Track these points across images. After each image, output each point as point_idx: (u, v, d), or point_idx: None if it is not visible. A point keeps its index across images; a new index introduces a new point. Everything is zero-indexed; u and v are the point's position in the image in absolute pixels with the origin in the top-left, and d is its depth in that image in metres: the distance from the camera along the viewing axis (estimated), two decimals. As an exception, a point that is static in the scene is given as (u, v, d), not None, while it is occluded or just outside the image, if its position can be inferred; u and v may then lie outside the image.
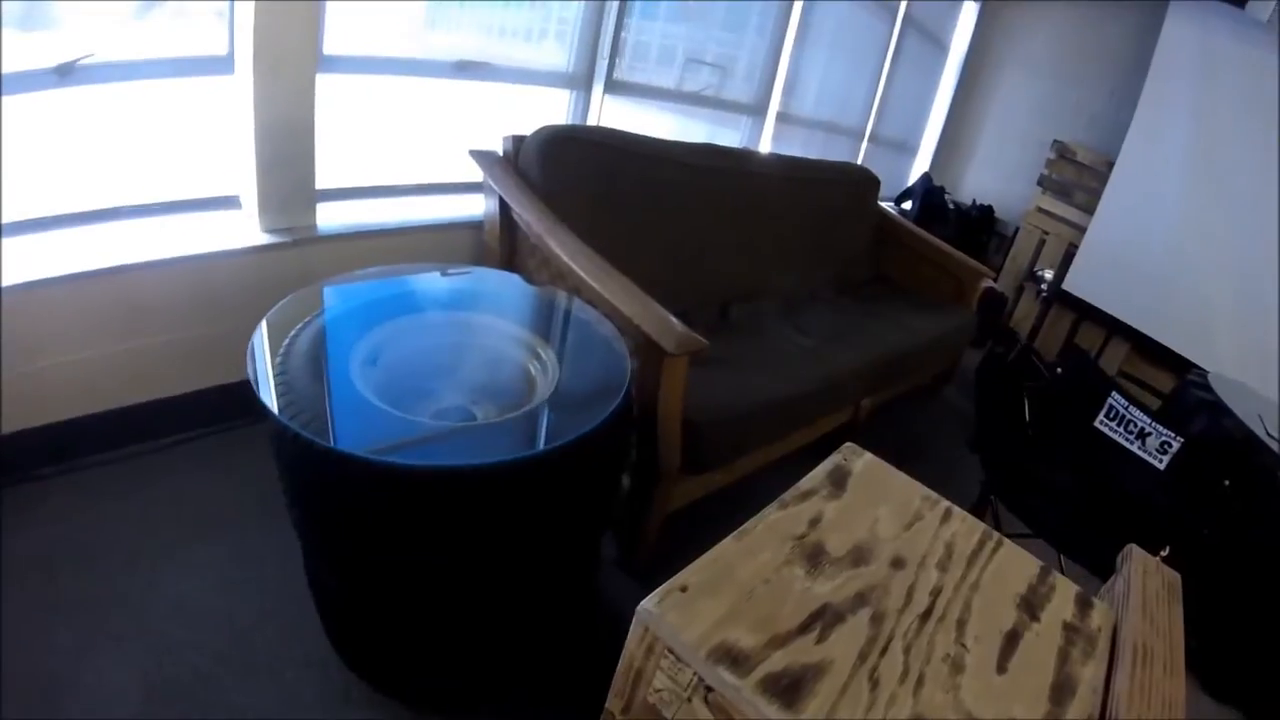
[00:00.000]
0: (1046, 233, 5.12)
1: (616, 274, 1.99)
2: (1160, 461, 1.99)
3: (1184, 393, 3.27)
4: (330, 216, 2.42)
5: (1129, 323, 4.85)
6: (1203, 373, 3.40)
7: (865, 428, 3.01)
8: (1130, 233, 4.84)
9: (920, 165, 5.76)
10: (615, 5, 2.97)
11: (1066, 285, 4.92)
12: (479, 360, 1.74)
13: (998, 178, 5.53)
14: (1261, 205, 4.69)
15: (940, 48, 5.50)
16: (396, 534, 1.36)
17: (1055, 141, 5.19)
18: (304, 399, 1.33)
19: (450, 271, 1.95)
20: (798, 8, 3.88)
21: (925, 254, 3.96)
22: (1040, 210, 5.14)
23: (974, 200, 5.42)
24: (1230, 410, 3.00)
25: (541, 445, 1.38)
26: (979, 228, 5.29)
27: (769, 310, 2.96)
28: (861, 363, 2.74)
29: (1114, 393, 2.04)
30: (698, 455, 1.92)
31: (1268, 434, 2.97)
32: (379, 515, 1.33)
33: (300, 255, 2.29)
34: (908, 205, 5.30)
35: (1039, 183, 5.18)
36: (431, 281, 1.93)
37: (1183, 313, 4.85)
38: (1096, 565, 2.09)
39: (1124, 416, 2.05)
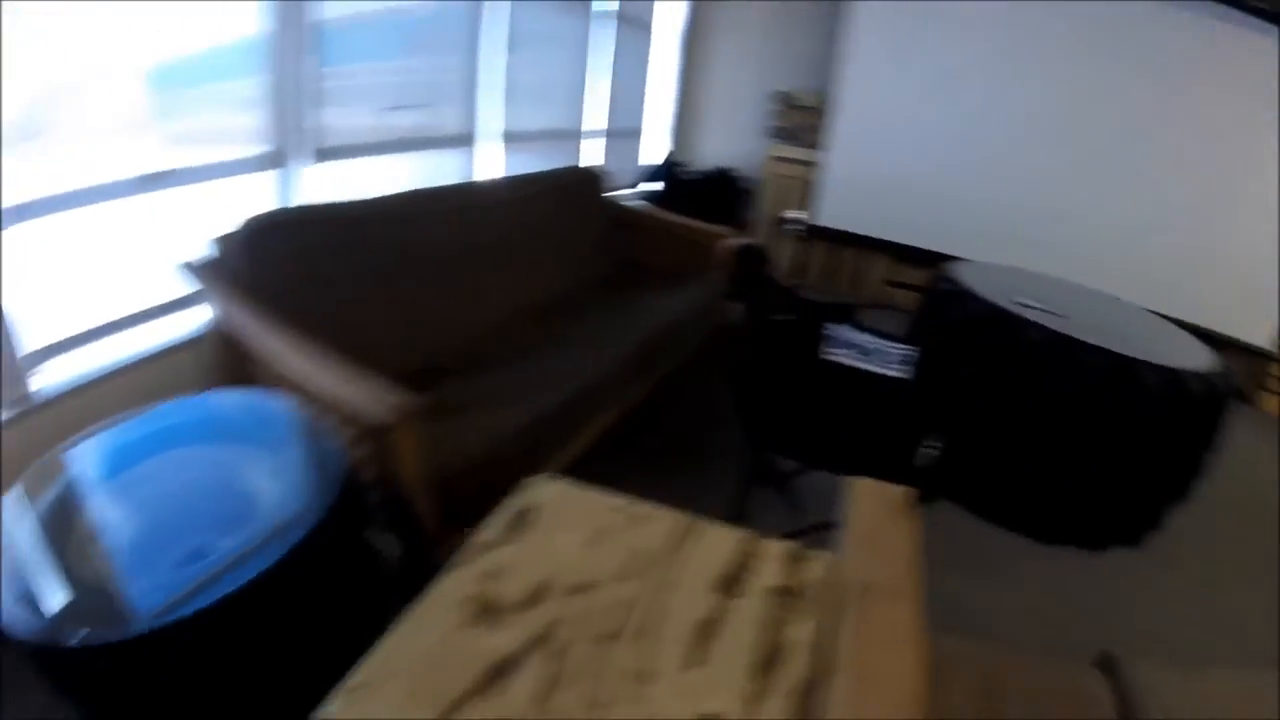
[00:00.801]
0: (785, 177, 5.41)
1: (334, 359, 1.87)
2: (905, 371, 2.12)
3: (933, 290, 3.51)
4: (49, 378, 2.25)
5: (881, 237, 5.21)
6: (951, 266, 3.66)
7: (644, 412, 3.10)
8: (864, 156, 5.20)
9: (662, 145, 5.92)
10: (299, 62, 2.75)
11: (816, 219, 5.23)
12: (209, 491, 1.68)
13: (734, 139, 5.78)
14: (987, 101, 5.18)
15: (645, 29, 5.63)
16: (149, 697, 1.31)
17: (777, 92, 5.49)
18: (28, 595, 1.28)
19: (169, 403, 1.87)
20: (502, 24, 3.85)
21: (665, 230, 4.07)
22: (776, 159, 5.43)
23: (716, 166, 5.62)
24: (975, 294, 3.25)
25: (267, 564, 1.36)
26: (725, 189, 5.49)
27: (520, 335, 2.95)
28: (618, 358, 2.77)
29: (830, 325, 2.17)
30: (456, 510, 1.90)
31: (1017, 304, 3.26)
32: (123, 686, 1.29)
33: (20, 432, 2.13)
34: (660, 185, 5.46)
35: (770, 134, 5.48)
36: (150, 422, 1.83)
37: (928, 213, 5.26)
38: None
39: (853, 343, 2.19)
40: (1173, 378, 2.98)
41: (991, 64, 5.16)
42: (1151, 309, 4.67)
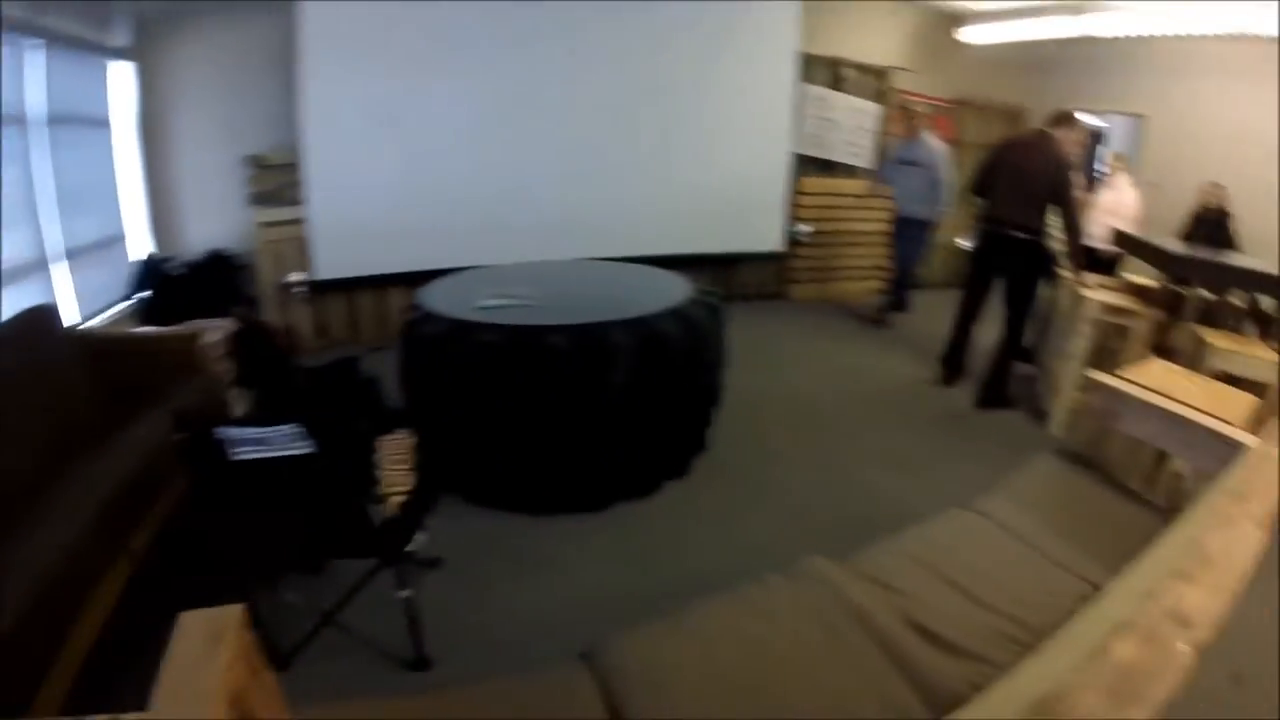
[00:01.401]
0: (277, 241, 5.26)
1: None
2: (307, 445, 2.09)
3: (406, 319, 3.56)
4: None
5: (388, 271, 5.32)
6: (421, 290, 3.78)
7: (167, 553, 2.81)
8: (344, 197, 5.25)
9: (142, 246, 5.31)
10: None
11: (317, 275, 5.17)
12: None
13: (218, 216, 5.39)
14: (451, 106, 5.50)
15: (102, 124, 5.03)
16: None
17: (247, 157, 5.27)
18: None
19: None
20: None
21: (136, 348, 3.76)
22: (264, 225, 5.24)
23: (204, 252, 5.26)
24: (437, 313, 3.39)
25: None
26: (222, 273, 5.21)
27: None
28: (96, 519, 2.45)
29: (220, 429, 2.09)
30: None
31: (482, 308, 3.41)
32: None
33: None
34: (147, 292, 5.00)
35: (249, 201, 5.27)
36: None
37: (425, 232, 5.49)
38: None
39: (248, 438, 2.09)
40: (641, 325, 3.26)
41: (444, 70, 5.42)
42: (670, 254, 5.43)
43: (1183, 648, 1.30)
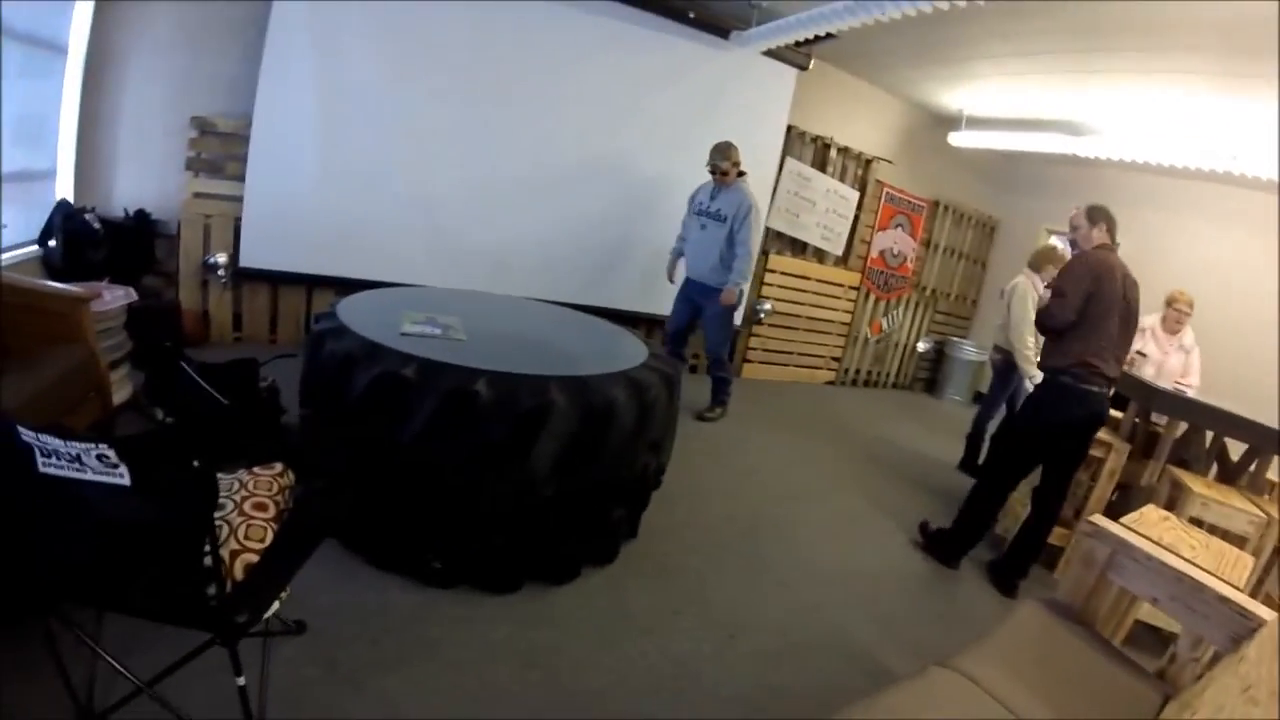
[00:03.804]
0: (209, 216, 4.86)
1: None
2: (124, 476, 1.68)
3: (313, 330, 3.16)
4: None
5: (313, 271, 5.05)
6: (338, 300, 3.39)
7: None
8: (284, 185, 4.86)
9: (59, 190, 4.79)
10: None
11: (243, 261, 4.78)
12: None
13: (150, 176, 4.92)
14: (404, 120, 5.12)
15: (57, 51, 4.55)
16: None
17: (194, 118, 4.84)
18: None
19: None
20: None
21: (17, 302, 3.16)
22: (197, 195, 4.84)
23: (126, 210, 4.80)
24: (349, 329, 2.97)
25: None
26: (138, 238, 4.76)
27: None
28: None
29: (39, 434, 1.69)
30: None
31: (405, 334, 3.03)
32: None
33: None
34: (51, 243, 4.50)
35: (187, 166, 4.84)
36: None
37: (360, 240, 5.17)
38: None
39: (64, 453, 1.70)
40: (585, 387, 2.89)
41: (403, 82, 5.14)
42: (619, 309, 5.63)
43: None
